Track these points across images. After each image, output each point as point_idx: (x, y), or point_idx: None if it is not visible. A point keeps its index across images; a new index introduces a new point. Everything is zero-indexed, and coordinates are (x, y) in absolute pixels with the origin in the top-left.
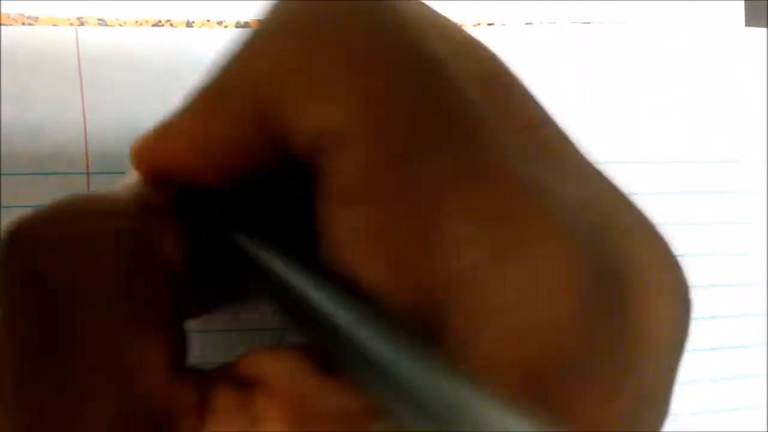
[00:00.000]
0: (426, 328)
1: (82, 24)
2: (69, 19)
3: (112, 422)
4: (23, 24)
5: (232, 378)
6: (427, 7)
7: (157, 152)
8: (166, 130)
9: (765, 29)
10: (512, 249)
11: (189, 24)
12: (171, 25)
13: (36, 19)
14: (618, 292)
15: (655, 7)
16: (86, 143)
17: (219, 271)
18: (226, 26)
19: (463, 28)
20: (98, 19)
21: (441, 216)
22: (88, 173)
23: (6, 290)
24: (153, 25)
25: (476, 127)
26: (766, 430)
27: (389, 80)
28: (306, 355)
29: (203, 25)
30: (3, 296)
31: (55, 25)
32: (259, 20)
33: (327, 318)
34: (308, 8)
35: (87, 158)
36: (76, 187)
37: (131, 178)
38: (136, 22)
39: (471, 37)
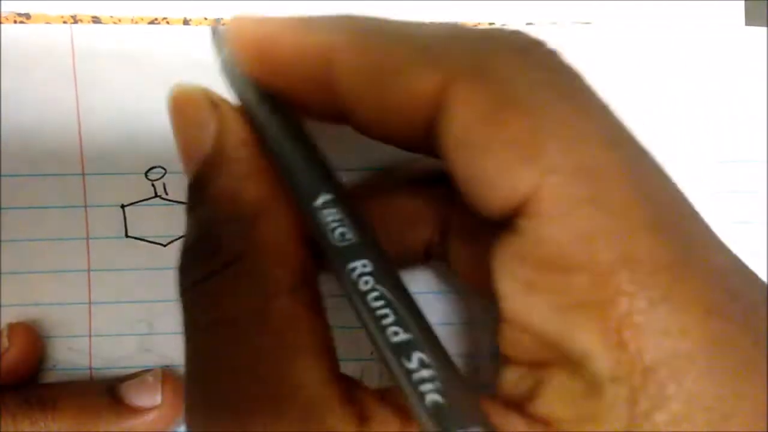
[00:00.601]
0: (630, 399)
1: (76, 22)
2: (63, 17)
3: None
4: (15, 22)
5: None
6: None
7: (287, 45)
8: (314, 27)
9: (765, 29)
10: (729, 344)
11: (186, 22)
12: (167, 22)
13: (28, 16)
14: None
15: (655, 7)
16: (81, 144)
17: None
18: (223, 24)
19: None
20: (92, 17)
21: (663, 297)
22: (83, 174)
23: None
24: (149, 23)
25: (688, 213)
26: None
27: (603, 154)
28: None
29: (200, 23)
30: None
31: (48, 23)
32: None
33: (396, 348)
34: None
35: (82, 159)
36: (71, 188)
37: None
38: (132, 19)
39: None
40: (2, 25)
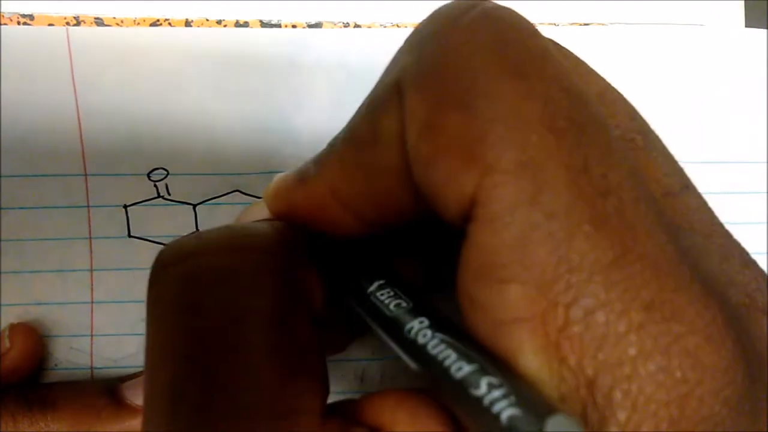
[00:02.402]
0: (583, 414)
1: (78, 23)
2: (65, 18)
3: None
4: (19, 23)
5: (364, 422)
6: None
7: (297, 199)
8: (307, 178)
9: (765, 30)
10: (674, 343)
11: (188, 23)
12: (169, 24)
13: (32, 17)
14: (761, 377)
15: (655, 9)
16: (82, 145)
17: (345, 313)
18: (225, 25)
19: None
20: (95, 18)
21: (600, 303)
22: (85, 175)
23: (165, 316)
24: (151, 24)
25: (630, 202)
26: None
27: (544, 143)
28: (435, 406)
29: (202, 24)
30: (162, 322)
31: (51, 24)
32: (397, 62)
33: (463, 382)
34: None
35: (84, 160)
36: (74, 189)
37: (260, 211)
38: (134, 21)
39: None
40: (3, 27)
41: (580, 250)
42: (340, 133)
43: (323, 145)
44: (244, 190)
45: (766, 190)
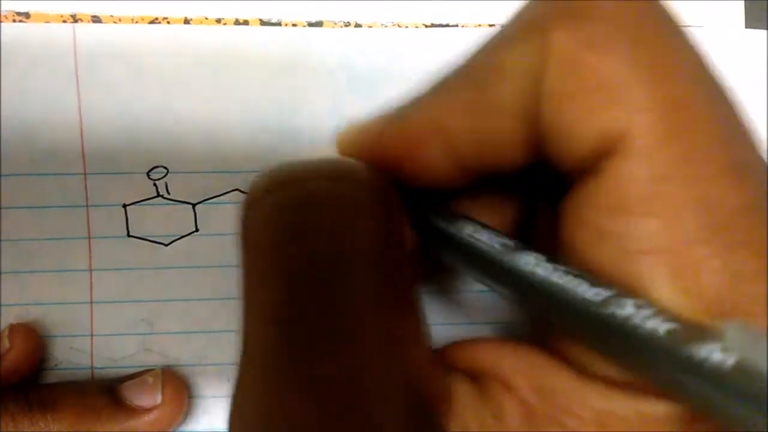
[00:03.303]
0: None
1: (76, 21)
2: (62, 16)
3: (391, 395)
4: (14, 21)
5: (462, 369)
6: None
7: (390, 136)
8: (405, 119)
9: (765, 31)
10: None
11: (186, 21)
12: (168, 22)
13: (28, 15)
14: None
15: None
16: (82, 143)
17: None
18: (224, 23)
19: None
20: (92, 16)
21: (738, 243)
22: (84, 174)
23: (268, 244)
24: (150, 23)
25: (759, 157)
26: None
27: (689, 90)
28: (540, 351)
29: (201, 22)
30: (264, 250)
31: (47, 22)
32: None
33: (605, 305)
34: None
35: (83, 159)
36: (73, 188)
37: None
38: (132, 19)
39: None
40: (3, 24)
41: (719, 190)
42: (447, 72)
43: (324, 144)
44: (243, 189)
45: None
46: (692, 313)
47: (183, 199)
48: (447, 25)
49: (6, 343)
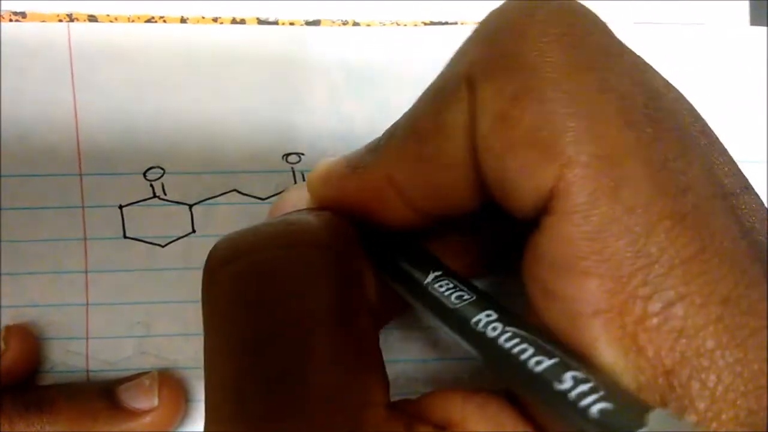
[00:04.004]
0: (662, 404)
1: (72, 20)
2: (58, 15)
3: None
4: (11, 20)
5: (427, 420)
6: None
7: (350, 188)
8: (362, 167)
9: (764, 29)
10: (751, 336)
11: (183, 20)
12: (164, 21)
13: (24, 15)
14: None
15: (658, 7)
16: (78, 144)
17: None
18: (221, 22)
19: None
20: (89, 16)
21: (679, 296)
22: (80, 175)
23: (225, 314)
24: (146, 22)
25: (707, 198)
26: None
27: (622, 137)
28: (505, 402)
29: (198, 21)
30: (221, 320)
31: (43, 21)
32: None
33: (545, 376)
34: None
35: (79, 159)
36: (69, 189)
37: (298, 198)
38: (128, 18)
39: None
40: (2, 24)
41: (659, 244)
42: (398, 123)
43: (321, 144)
44: (241, 190)
45: (766, 190)
46: (638, 372)
47: (179, 200)
48: (446, 23)
49: (2, 345)
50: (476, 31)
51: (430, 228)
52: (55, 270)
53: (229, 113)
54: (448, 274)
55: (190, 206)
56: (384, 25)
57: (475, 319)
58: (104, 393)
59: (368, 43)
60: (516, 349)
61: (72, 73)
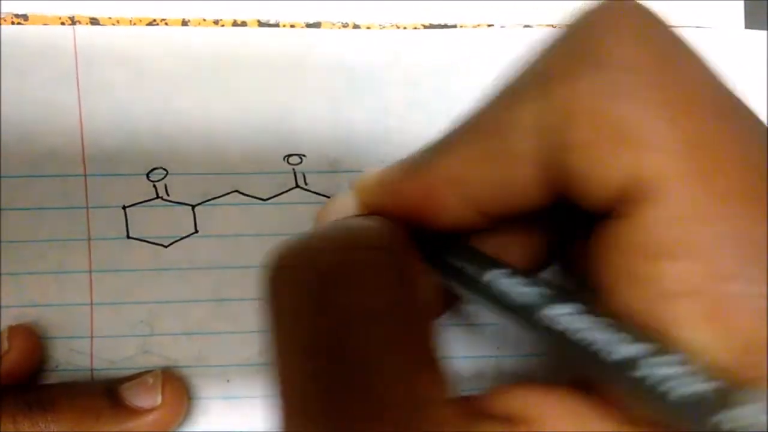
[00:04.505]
0: (737, 383)
1: (74, 23)
2: (61, 18)
3: None
4: (13, 23)
5: (492, 414)
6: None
7: (407, 193)
8: (421, 170)
9: (765, 32)
10: None
11: (185, 23)
12: (166, 23)
13: (26, 17)
14: None
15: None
16: (83, 145)
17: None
18: (222, 25)
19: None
20: (91, 18)
21: (763, 278)
22: (84, 176)
23: (287, 318)
24: (147, 24)
25: None
26: None
27: (714, 128)
28: (584, 397)
29: (199, 23)
30: (290, 323)
31: (45, 24)
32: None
33: (627, 363)
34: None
35: (83, 160)
36: (73, 189)
37: (344, 206)
38: (130, 21)
39: None
40: (2, 27)
41: (751, 226)
42: (456, 124)
43: (322, 145)
44: (242, 190)
45: None
46: (729, 353)
47: (182, 201)
48: (445, 26)
49: (5, 345)
50: (557, 32)
51: (480, 228)
52: (59, 270)
53: (231, 115)
54: (509, 268)
55: (193, 207)
56: (384, 27)
57: (547, 312)
58: (107, 392)
59: (368, 46)
60: (594, 338)
61: (76, 75)
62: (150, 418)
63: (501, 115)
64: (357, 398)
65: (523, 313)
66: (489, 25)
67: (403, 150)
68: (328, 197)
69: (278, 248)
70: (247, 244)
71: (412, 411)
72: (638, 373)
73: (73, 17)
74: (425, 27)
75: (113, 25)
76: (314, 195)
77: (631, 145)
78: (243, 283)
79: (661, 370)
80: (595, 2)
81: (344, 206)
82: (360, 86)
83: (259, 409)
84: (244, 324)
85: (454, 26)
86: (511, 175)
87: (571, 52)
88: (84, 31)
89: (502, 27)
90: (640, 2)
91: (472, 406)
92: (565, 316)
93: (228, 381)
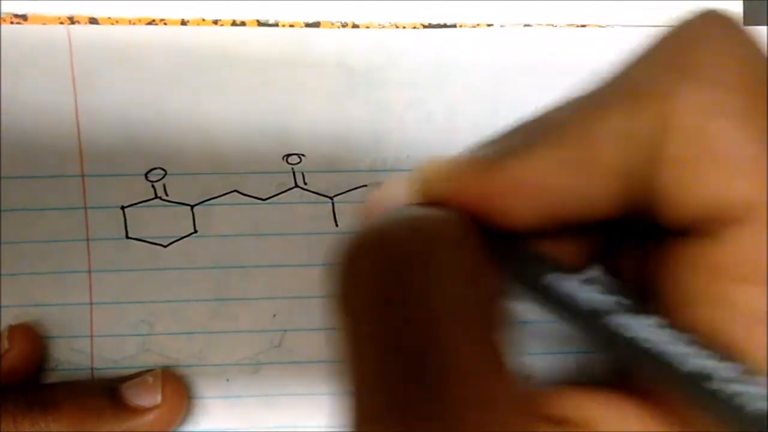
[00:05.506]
0: None
1: (73, 23)
2: (59, 18)
3: None
4: (11, 23)
5: (548, 415)
6: None
7: (475, 188)
8: (494, 169)
9: (764, 28)
10: None
11: (184, 23)
12: (165, 23)
13: (25, 17)
14: None
15: (651, 9)
16: (80, 145)
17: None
18: (221, 24)
19: None
20: (89, 18)
21: None
22: (82, 176)
23: (360, 311)
24: (146, 24)
25: None
26: None
27: None
28: (643, 404)
29: (198, 23)
30: (357, 316)
31: (44, 23)
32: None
33: (702, 375)
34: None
35: (81, 160)
36: (71, 190)
37: (398, 193)
38: (129, 20)
39: None
40: (2, 27)
41: None
42: (528, 123)
43: (321, 145)
44: (241, 190)
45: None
46: None
47: (181, 201)
48: (444, 26)
49: (6, 344)
50: (648, 43)
51: (540, 230)
52: (58, 270)
53: (230, 115)
54: (574, 271)
55: (192, 207)
56: (383, 27)
57: (621, 321)
58: (108, 391)
59: (368, 45)
60: (670, 349)
61: (73, 76)
62: (150, 417)
63: (586, 124)
64: (436, 397)
65: (589, 318)
66: (489, 25)
67: (403, 150)
68: (328, 197)
69: (349, 241)
70: (246, 244)
71: (487, 411)
72: (720, 385)
73: (72, 17)
74: (424, 26)
75: (112, 24)
76: (313, 194)
77: (726, 166)
78: (242, 283)
79: (738, 386)
80: (691, 14)
81: (395, 195)
82: (359, 85)
83: (259, 408)
84: (244, 323)
85: (454, 26)
86: (591, 185)
87: (669, 65)
88: (83, 30)
89: (502, 27)
90: (733, 17)
91: (530, 407)
92: (644, 329)
93: (228, 380)
